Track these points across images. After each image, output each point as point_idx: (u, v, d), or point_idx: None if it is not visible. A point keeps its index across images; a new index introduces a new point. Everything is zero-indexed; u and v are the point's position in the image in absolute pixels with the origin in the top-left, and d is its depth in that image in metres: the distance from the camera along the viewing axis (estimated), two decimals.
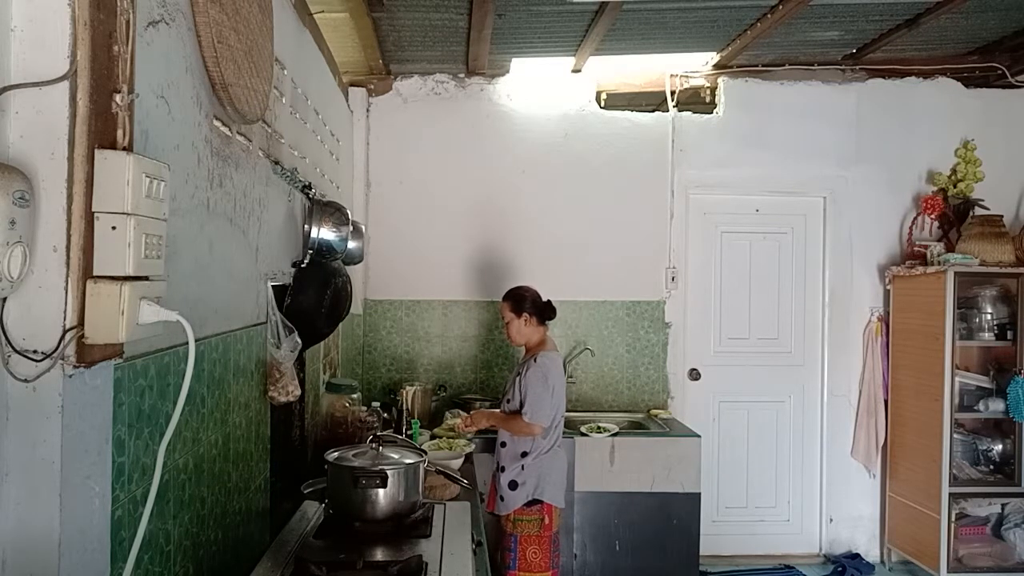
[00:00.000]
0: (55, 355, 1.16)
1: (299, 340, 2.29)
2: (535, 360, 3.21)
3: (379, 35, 3.85)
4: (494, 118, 4.55)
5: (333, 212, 2.72)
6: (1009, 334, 4.07)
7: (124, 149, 1.27)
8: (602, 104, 4.59)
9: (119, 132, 1.26)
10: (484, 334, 4.55)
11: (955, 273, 3.99)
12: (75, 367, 1.18)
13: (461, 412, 3.89)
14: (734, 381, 4.67)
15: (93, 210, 1.21)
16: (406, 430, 3.54)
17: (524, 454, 3.18)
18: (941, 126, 4.56)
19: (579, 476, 3.79)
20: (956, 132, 4.55)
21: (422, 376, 4.50)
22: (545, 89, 4.54)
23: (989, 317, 4.14)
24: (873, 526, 4.61)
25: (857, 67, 4.54)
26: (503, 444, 3.26)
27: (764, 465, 4.67)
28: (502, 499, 3.21)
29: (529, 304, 3.28)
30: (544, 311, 3.31)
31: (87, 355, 1.20)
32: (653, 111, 4.71)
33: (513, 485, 3.17)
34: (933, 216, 4.47)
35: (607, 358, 4.56)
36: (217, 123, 1.79)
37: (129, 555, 1.33)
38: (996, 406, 4.07)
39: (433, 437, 3.55)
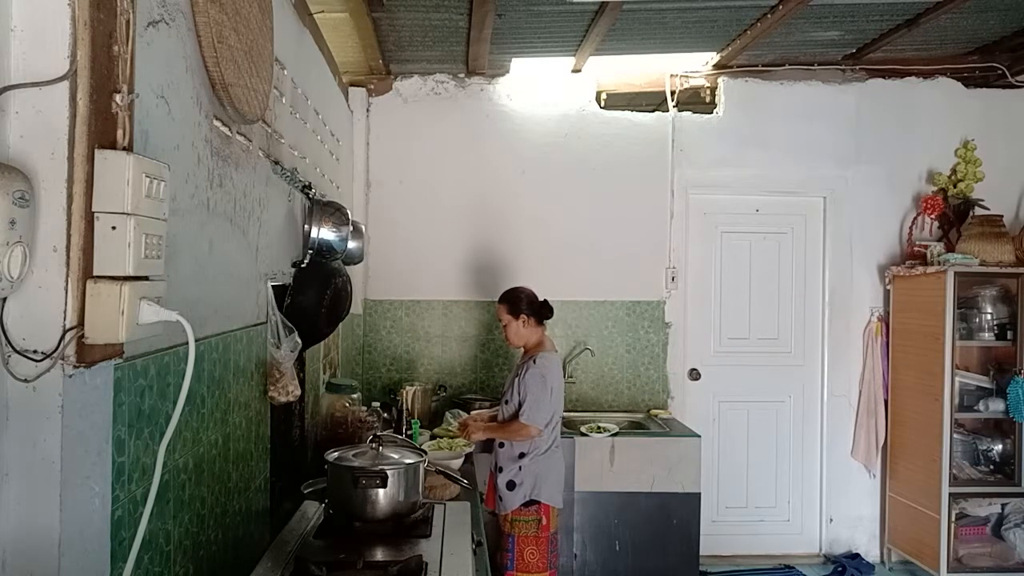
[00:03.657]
0: (55, 355, 1.16)
1: (299, 340, 2.29)
2: (534, 361, 3.21)
3: (379, 35, 3.85)
4: (494, 118, 4.55)
5: (333, 212, 2.72)
6: (1009, 334, 4.07)
7: (124, 149, 1.27)
8: (602, 104, 4.59)
9: (119, 132, 1.26)
10: (484, 334, 4.55)
11: (955, 273, 3.98)
12: (75, 367, 1.18)
13: (461, 412, 3.89)
14: (734, 381, 4.67)
15: (93, 210, 1.21)
16: (406, 430, 3.54)
17: (522, 455, 3.18)
18: (941, 126, 4.56)
19: (579, 476, 3.79)
20: (956, 132, 4.55)
21: (422, 376, 4.50)
22: (545, 89, 4.54)
23: (989, 317, 4.14)
24: (873, 526, 4.61)
25: (857, 67, 4.54)
26: (500, 445, 3.26)
27: (764, 465, 4.67)
28: (500, 499, 3.21)
29: (526, 305, 3.28)
30: (541, 311, 3.31)
31: (87, 355, 1.20)
32: (653, 111, 4.71)
33: (511, 485, 3.17)
34: (933, 216, 4.47)
35: (607, 358, 4.56)
36: (217, 123, 1.79)
37: (129, 555, 1.33)
38: (996, 406, 4.07)
39: (433, 437, 3.55)
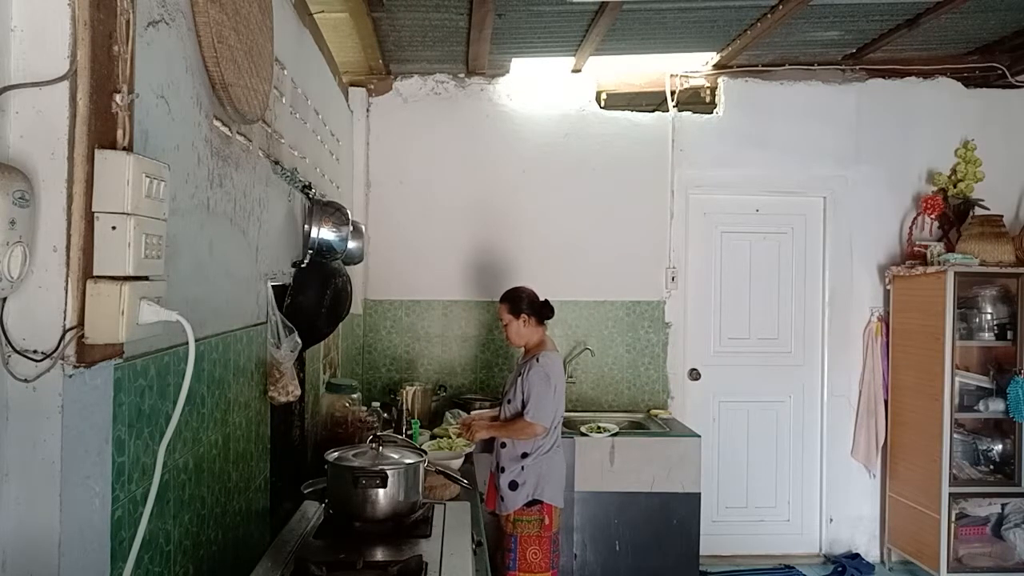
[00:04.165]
0: (55, 355, 1.16)
1: (299, 340, 2.29)
2: (536, 360, 3.21)
3: (379, 35, 3.85)
4: (494, 118, 4.55)
5: (333, 212, 2.72)
6: (1009, 334, 4.07)
7: (124, 149, 1.27)
8: (602, 104, 4.59)
9: (119, 132, 1.26)
10: (484, 334, 4.55)
11: (955, 273, 3.98)
12: (75, 367, 1.18)
13: (461, 412, 3.89)
14: (734, 381, 4.67)
15: (93, 210, 1.21)
16: (406, 430, 3.54)
17: (524, 455, 3.18)
18: (941, 126, 4.56)
19: (579, 476, 3.79)
20: (956, 132, 4.55)
21: (422, 376, 4.50)
22: (545, 89, 4.54)
23: (989, 317, 4.13)
24: (873, 526, 4.61)
25: (857, 67, 4.54)
26: (503, 445, 3.26)
27: (764, 465, 4.67)
28: (502, 499, 3.21)
29: (527, 305, 3.28)
30: (542, 311, 3.31)
31: (87, 355, 1.20)
32: (653, 111, 4.71)
33: (513, 485, 3.17)
34: (933, 216, 4.47)
35: (607, 358, 4.56)
36: (217, 123, 1.79)
37: (129, 555, 1.33)
38: (996, 406, 4.07)
39: (433, 437, 3.55)
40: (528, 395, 3.15)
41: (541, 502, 3.16)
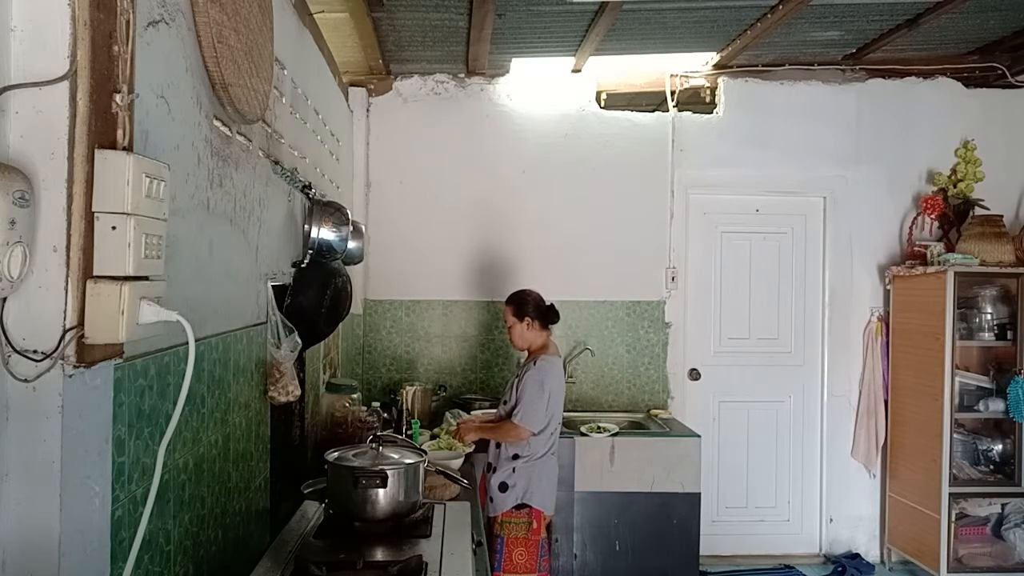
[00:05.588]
0: (55, 355, 1.16)
1: (299, 340, 2.29)
2: (535, 364, 3.20)
3: (379, 35, 3.85)
4: (494, 118, 4.55)
5: (333, 212, 2.73)
6: (1009, 334, 4.07)
7: (124, 149, 1.27)
8: (602, 104, 4.59)
9: (119, 132, 1.26)
10: (484, 334, 4.55)
11: (955, 273, 3.98)
12: (75, 367, 1.18)
13: (461, 412, 3.89)
14: (734, 381, 4.67)
15: (93, 210, 1.21)
16: (406, 430, 3.54)
17: (515, 456, 3.17)
18: (941, 126, 4.56)
19: (579, 476, 3.79)
20: (956, 132, 4.55)
21: (422, 376, 4.50)
22: (545, 89, 4.54)
23: (989, 317, 4.13)
24: (873, 526, 4.61)
25: (857, 67, 4.54)
26: (496, 445, 3.26)
27: (764, 465, 4.67)
28: (491, 500, 3.20)
29: (532, 308, 3.27)
30: (547, 315, 3.30)
31: (87, 355, 1.20)
32: (653, 111, 4.70)
33: (503, 487, 3.16)
34: (933, 216, 4.47)
35: (607, 358, 4.56)
36: (217, 123, 1.79)
37: (129, 555, 1.33)
38: (996, 406, 4.07)
39: (433, 437, 3.54)
40: (521, 397, 3.15)
41: (530, 506, 3.15)
